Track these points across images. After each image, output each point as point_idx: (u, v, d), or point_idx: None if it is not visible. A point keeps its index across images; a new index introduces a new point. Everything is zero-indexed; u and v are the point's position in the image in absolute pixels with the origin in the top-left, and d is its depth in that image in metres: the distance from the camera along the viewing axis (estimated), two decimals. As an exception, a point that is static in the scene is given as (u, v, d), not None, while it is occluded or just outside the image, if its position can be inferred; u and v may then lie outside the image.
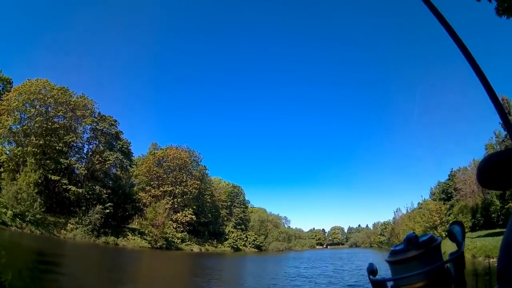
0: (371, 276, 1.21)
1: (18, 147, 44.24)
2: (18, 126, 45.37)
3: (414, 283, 1.14)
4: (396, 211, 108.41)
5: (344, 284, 19.48)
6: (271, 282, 20.70)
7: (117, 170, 61.38)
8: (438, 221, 60.14)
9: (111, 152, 57.86)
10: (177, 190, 77.44)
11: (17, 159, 43.66)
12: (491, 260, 26.70)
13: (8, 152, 44.60)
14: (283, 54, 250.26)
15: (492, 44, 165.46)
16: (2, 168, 42.97)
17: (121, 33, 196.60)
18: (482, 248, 34.67)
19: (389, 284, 1.20)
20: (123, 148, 62.67)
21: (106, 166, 56.65)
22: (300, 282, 20.24)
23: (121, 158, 60.10)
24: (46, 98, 46.59)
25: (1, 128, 44.01)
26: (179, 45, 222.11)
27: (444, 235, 56.21)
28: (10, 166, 42.72)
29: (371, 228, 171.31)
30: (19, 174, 40.80)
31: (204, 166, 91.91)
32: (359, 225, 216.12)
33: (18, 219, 36.40)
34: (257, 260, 56.74)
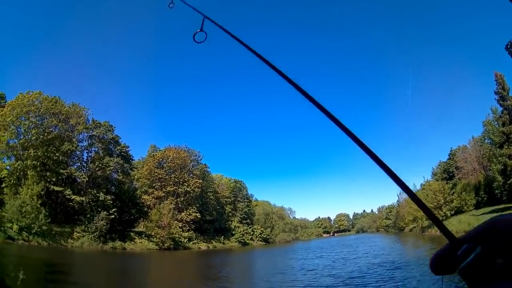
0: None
1: (17, 161, 44.34)
2: (16, 140, 45.46)
3: None
4: (400, 194, 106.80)
5: (347, 273, 19.29)
6: (279, 277, 20.65)
7: (118, 175, 61.43)
8: (442, 200, 59.91)
9: (111, 158, 57.91)
10: (180, 190, 77.71)
11: (17, 173, 43.75)
12: None
13: (8, 167, 44.74)
14: (280, 44, 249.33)
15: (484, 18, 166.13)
16: (3, 183, 43.10)
17: (113, 34, 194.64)
18: None
19: None
20: (122, 153, 62.66)
21: (107, 172, 56.72)
22: (308, 275, 20.04)
23: (121, 162, 60.18)
24: (40, 110, 46.59)
25: (-1, 144, 44.20)
26: (173, 44, 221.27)
27: (449, 214, 57.07)
28: (12, 181, 42.82)
29: (376, 212, 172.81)
30: (21, 188, 40.92)
31: (205, 164, 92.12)
32: (364, 211, 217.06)
33: (24, 232, 36.56)
34: (265, 253, 56.92)
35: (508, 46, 9.68)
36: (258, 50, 1.66)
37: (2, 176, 43.41)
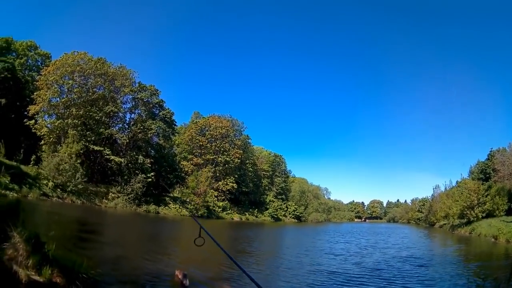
0: None
1: (58, 120, 45.49)
2: (58, 99, 46.54)
3: None
4: (435, 187, 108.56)
5: (373, 264, 18.74)
6: (305, 259, 19.91)
7: (159, 139, 61.95)
8: (476, 201, 58.06)
9: (154, 121, 58.10)
10: (220, 159, 77.66)
11: (58, 132, 45.07)
12: None
13: (49, 126, 46.10)
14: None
15: None
16: (43, 141, 44.50)
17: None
18: None
19: None
20: (166, 118, 62.77)
21: (149, 135, 57.08)
22: (335, 261, 19.40)
23: (163, 127, 60.35)
24: (84, 70, 47.02)
25: (41, 102, 45.34)
26: (217, 12, 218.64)
27: (480, 216, 55.23)
28: (51, 139, 44.23)
29: (410, 203, 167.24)
30: (61, 146, 42.02)
31: (247, 136, 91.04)
32: (398, 200, 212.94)
33: (59, 190, 37.68)
34: (295, 231, 55.95)
35: None
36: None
37: (42, 134, 44.83)
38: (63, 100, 45.80)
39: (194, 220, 6.23)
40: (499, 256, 24.10)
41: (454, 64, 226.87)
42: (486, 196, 58.85)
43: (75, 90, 45.90)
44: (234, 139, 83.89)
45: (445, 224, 79.87)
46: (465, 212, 59.80)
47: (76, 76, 46.28)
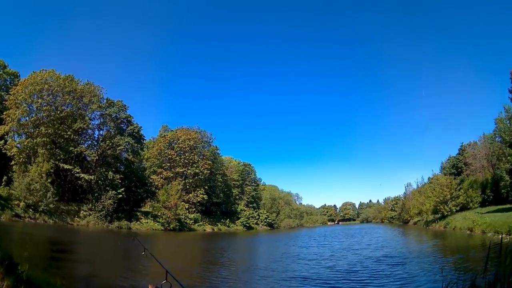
0: None
1: (28, 139, 44.90)
2: (27, 118, 45.98)
3: None
4: (407, 186, 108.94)
5: (347, 266, 19.02)
6: (277, 265, 20.47)
7: (128, 155, 61.89)
8: (449, 196, 58.75)
9: (122, 137, 58.10)
10: (189, 171, 78.28)
11: (27, 151, 44.46)
12: (500, 235, 26.33)
13: (18, 145, 45.45)
14: (295, 30, 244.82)
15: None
16: (13, 161, 43.80)
17: (127, 15, 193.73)
18: (491, 224, 34.12)
19: None
20: (134, 133, 62.92)
21: (117, 151, 56.99)
22: (308, 265, 19.82)
23: (132, 142, 60.42)
24: (53, 88, 46.78)
25: (10, 122, 44.70)
26: (186, 25, 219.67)
27: (454, 210, 56.41)
28: (21, 159, 43.58)
29: (382, 203, 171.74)
30: (31, 165, 41.57)
31: (216, 147, 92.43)
32: (370, 201, 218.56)
33: (31, 210, 37.33)
34: (268, 239, 57.02)
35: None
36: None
37: (12, 154, 44.12)
38: (32, 119, 45.26)
39: (137, 240, 6.93)
40: (476, 247, 24.15)
41: (422, 62, 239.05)
42: (459, 190, 59.73)
43: (44, 108, 45.49)
44: (203, 151, 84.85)
45: (419, 220, 79.97)
46: (438, 207, 60.35)
47: (44, 95, 45.90)
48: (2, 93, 49.56)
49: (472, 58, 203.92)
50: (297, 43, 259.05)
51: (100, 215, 47.85)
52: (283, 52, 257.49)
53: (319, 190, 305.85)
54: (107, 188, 51.10)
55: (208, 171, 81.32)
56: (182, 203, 71.21)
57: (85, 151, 52.56)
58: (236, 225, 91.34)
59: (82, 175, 48.76)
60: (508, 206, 46.49)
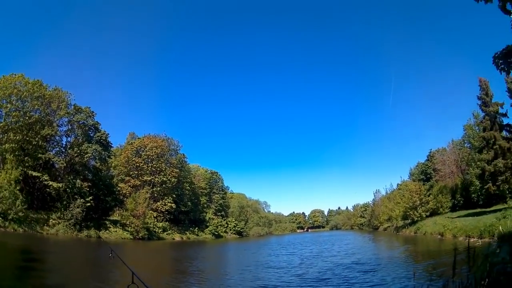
0: None
1: (-4, 145, 43.11)
2: (-5, 124, 44.16)
3: None
4: (376, 192, 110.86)
5: (316, 274, 19.22)
6: (245, 275, 20.81)
7: (96, 162, 60.52)
8: (418, 201, 59.65)
9: (90, 144, 56.84)
10: (156, 179, 77.61)
11: (-5, 157, 42.68)
12: (471, 239, 26.71)
13: (-15, 152, 43.48)
14: (265, 35, 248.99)
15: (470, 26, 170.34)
16: (-19, 168, 41.91)
17: (97, 20, 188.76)
18: (462, 228, 34.40)
19: None
20: (102, 140, 61.64)
21: (85, 158, 55.71)
22: (277, 274, 20.00)
23: (99, 150, 59.19)
24: (21, 93, 45.33)
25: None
26: (155, 33, 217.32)
27: (424, 215, 58.15)
28: (-11, 166, 41.75)
29: (351, 210, 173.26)
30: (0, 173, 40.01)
31: (183, 154, 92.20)
32: (339, 208, 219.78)
33: (0, 219, 35.93)
34: (236, 247, 57.78)
35: (496, 59, 9.45)
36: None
37: (-20, 161, 42.20)
38: (0, 124, 43.54)
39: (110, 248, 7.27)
40: (447, 252, 23.67)
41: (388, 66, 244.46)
42: (429, 196, 60.60)
43: (13, 114, 43.95)
44: (170, 159, 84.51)
45: (389, 226, 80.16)
46: (408, 213, 60.96)
47: (13, 100, 44.36)
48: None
49: (444, 64, 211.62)
50: (268, 44, 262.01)
51: (69, 223, 46.58)
52: (253, 55, 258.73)
53: (287, 197, 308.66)
54: (76, 196, 49.79)
55: (176, 179, 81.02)
56: (150, 211, 70.56)
57: (53, 158, 51.05)
58: (205, 234, 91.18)
59: (51, 182, 47.32)
60: (478, 210, 47.47)
